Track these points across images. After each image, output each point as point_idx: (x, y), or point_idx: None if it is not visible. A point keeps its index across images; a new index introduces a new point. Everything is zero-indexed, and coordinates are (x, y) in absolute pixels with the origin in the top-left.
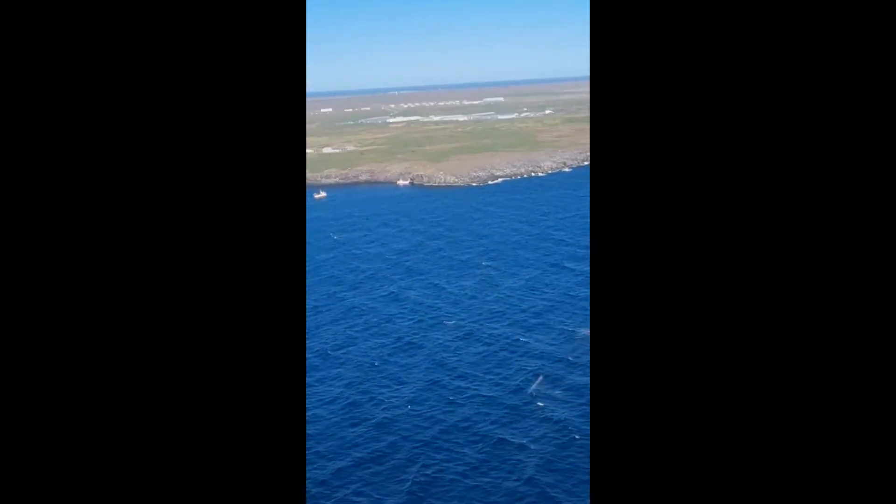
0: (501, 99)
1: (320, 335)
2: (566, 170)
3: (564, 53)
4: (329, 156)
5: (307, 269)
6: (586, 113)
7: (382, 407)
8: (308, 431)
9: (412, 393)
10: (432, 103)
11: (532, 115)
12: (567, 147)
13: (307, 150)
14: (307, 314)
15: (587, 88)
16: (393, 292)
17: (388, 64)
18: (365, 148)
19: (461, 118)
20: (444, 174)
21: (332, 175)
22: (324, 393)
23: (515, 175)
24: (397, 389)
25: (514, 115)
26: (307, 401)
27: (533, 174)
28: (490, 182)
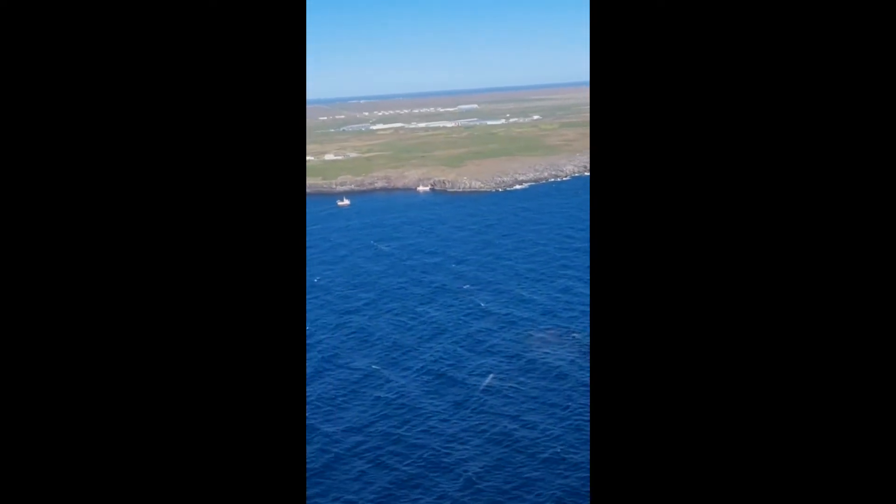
0: (476, 106)
1: (423, 355)
2: (587, 174)
3: (531, 62)
4: (333, 162)
5: (361, 280)
6: (578, 117)
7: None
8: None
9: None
10: (407, 111)
11: (521, 120)
12: (582, 151)
13: (309, 158)
14: (393, 331)
15: (566, 95)
16: (479, 305)
17: (351, 73)
18: (368, 154)
19: (448, 124)
20: (467, 179)
21: (347, 182)
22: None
23: (539, 179)
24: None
25: (501, 121)
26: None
27: (556, 178)
28: (516, 187)
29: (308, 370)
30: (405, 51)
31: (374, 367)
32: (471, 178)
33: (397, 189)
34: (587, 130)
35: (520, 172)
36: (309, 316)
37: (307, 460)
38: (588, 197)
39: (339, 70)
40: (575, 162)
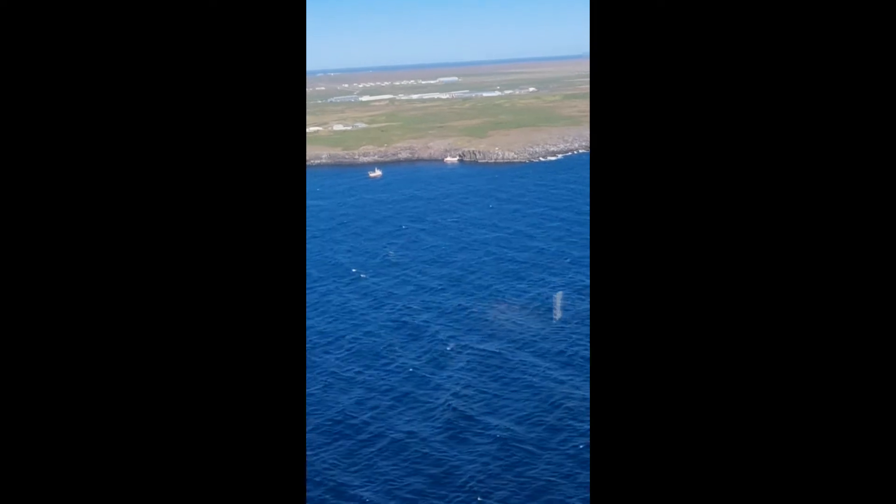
0: (457, 78)
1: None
2: None
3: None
4: (346, 133)
5: (434, 256)
6: (577, 90)
7: None
8: None
9: None
10: (387, 83)
11: (518, 92)
12: (585, 123)
13: (317, 128)
14: (489, 310)
15: (546, 68)
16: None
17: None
18: (379, 125)
19: (442, 96)
20: (499, 150)
21: (371, 152)
22: None
23: (570, 151)
24: None
25: (497, 93)
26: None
27: (586, 149)
28: (550, 157)
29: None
30: (364, 25)
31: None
32: (502, 148)
33: (422, 160)
34: None
35: (550, 143)
36: (399, 294)
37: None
38: None
39: (322, 42)
40: None
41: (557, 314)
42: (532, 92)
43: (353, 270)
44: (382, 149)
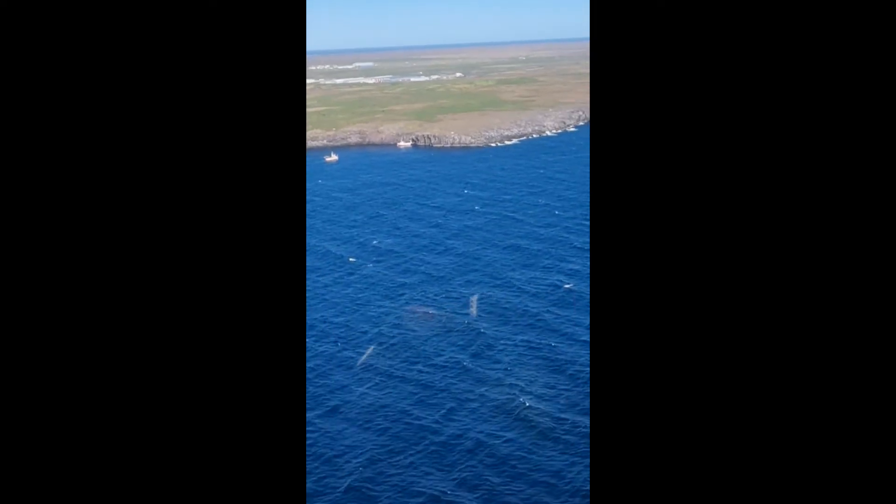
0: (372, 64)
1: None
2: (570, 129)
3: (411, 23)
4: None
5: (432, 243)
6: (505, 75)
7: None
8: None
9: None
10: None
11: (444, 77)
12: (554, 106)
13: None
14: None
15: (457, 55)
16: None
17: None
18: (317, 109)
19: (368, 80)
20: (456, 134)
21: (319, 137)
22: None
23: (525, 135)
24: None
25: (423, 78)
26: None
27: (540, 134)
28: (506, 142)
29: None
30: None
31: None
32: (458, 133)
33: (373, 144)
34: (537, 87)
35: (503, 128)
36: (411, 283)
37: None
38: (587, 154)
39: None
40: (552, 118)
41: (473, 312)
42: (460, 77)
43: (351, 259)
44: (331, 133)
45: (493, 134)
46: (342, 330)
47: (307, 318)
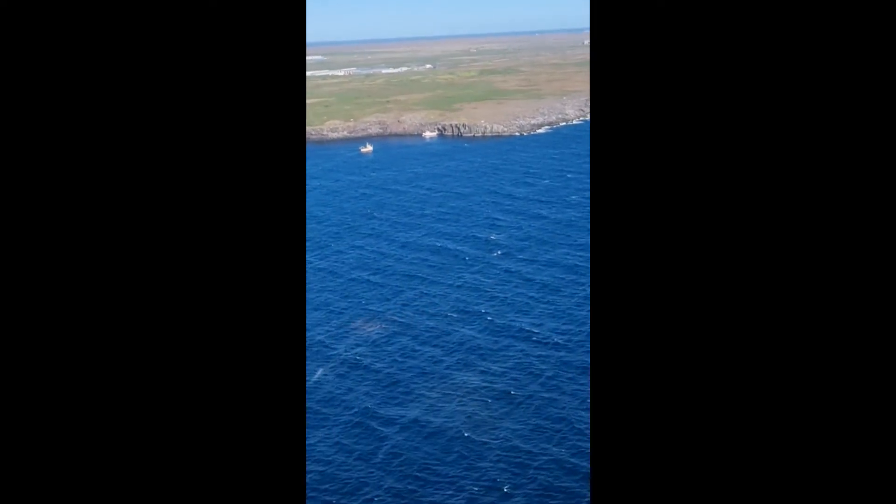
0: (322, 57)
1: None
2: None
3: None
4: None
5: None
6: (484, 66)
7: None
8: None
9: None
10: None
11: (416, 68)
12: (569, 94)
13: None
14: None
15: (414, 48)
16: None
17: None
18: (312, 101)
19: (338, 73)
20: (486, 123)
21: (339, 128)
22: None
23: (550, 123)
24: None
25: (394, 70)
26: None
27: (565, 122)
28: (537, 131)
29: None
30: None
31: None
32: (488, 121)
33: (395, 135)
34: (525, 77)
35: (529, 116)
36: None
37: None
38: None
39: None
40: (570, 106)
41: None
42: (430, 69)
43: (497, 253)
44: (350, 123)
45: (523, 122)
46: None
47: (504, 322)
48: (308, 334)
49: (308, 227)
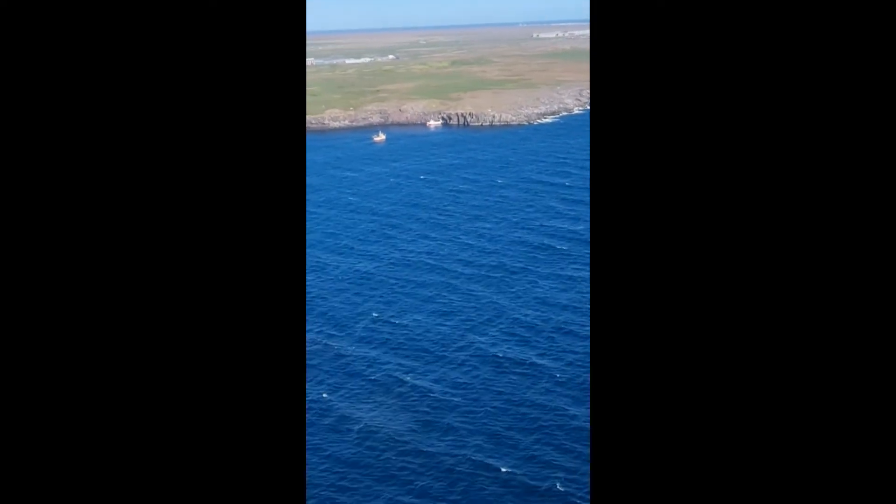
0: None
1: None
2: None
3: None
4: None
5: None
6: (449, 56)
7: None
8: None
9: None
10: None
11: (378, 59)
12: (563, 85)
13: None
14: None
15: (349, 40)
16: None
17: None
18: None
19: (308, 61)
20: (494, 112)
21: (339, 117)
22: None
23: (554, 113)
24: None
25: (357, 60)
26: None
27: (567, 112)
28: (544, 120)
29: None
30: None
31: None
32: (496, 110)
33: (398, 124)
34: (502, 67)
35: (531, 106)
36: None
37: None
38: None
39: None
40: (568, 96)
41: None
42: (395, 60)
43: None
44: (351, 112)
45: (529, 112)
46: None
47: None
48: (438, 335)
49: (368, 219)
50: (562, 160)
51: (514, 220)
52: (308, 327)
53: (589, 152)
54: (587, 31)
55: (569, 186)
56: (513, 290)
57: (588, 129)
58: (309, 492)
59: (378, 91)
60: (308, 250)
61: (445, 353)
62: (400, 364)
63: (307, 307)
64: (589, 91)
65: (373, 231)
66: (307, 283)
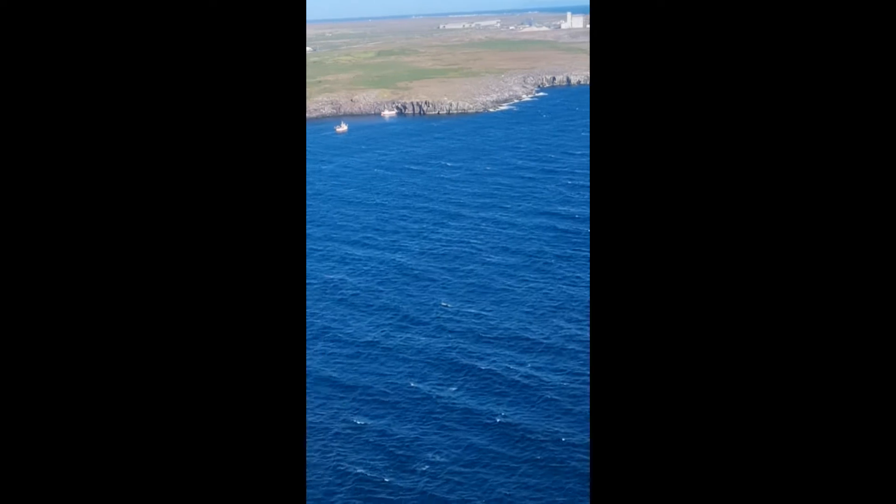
0: None
1: None
2: (540, 94)
3: None
4: None
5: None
6: (358, 48)
7: None
8: None
9: None
10: None
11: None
12: (495, 74)
13: None
14: None
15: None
16: None
17: None
18: None
19: None
20: (451, 100)
21: None
22: None
23: (507, 100)
24: None
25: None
26: None
27: (518, 100)
28: (500, 107)
29: None
30: None
31: None
32: (452, 99)
33: (350, 115)
34: (433, 56)
35: (483, 94)
36: None
37: None
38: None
39: None
40: (514, 84)
41: None
42: (315, 52)
43: None
44: None
45: (485, 100)
46: None
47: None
48: (508, 325)
49: (373, 211)
50: (539, 147)
51: (529, 206)
52: (373, 321)
53: (554, 137)
54: (497, 22)
55: (568, 172)
56: (576, 275)
57: (548, 112)
58: (309, 492)
59: (320, 82)
60: (327, 243)
61: (545, 341)
62: (507, 356)
63: (356, 303)
64: (532, 78)
65: (386, 221)
66: (339, 277)
